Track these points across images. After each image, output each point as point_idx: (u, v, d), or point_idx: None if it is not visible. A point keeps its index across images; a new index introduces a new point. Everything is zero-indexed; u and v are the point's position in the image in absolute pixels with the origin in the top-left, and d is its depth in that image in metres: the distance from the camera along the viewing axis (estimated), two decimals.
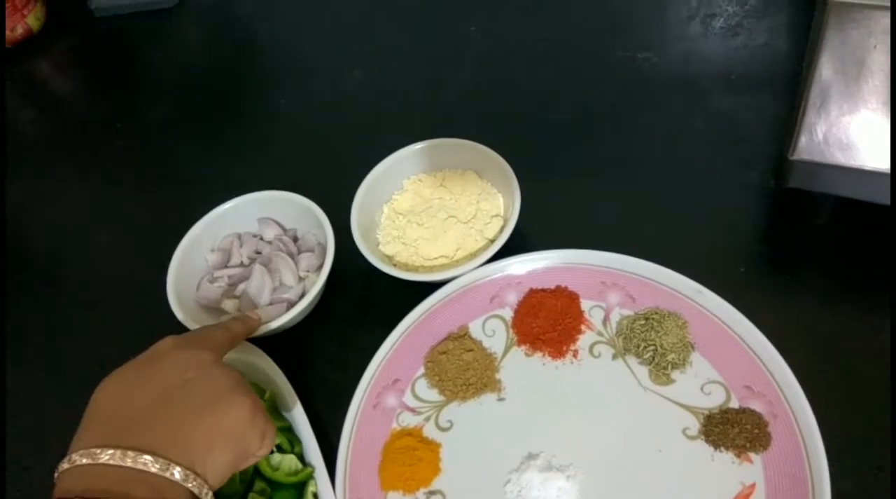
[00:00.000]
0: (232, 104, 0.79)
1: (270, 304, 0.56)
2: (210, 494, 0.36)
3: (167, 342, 0.42)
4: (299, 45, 0.84)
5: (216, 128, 0.77)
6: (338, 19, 0.85)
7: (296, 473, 0.47)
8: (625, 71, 0.69)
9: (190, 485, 0.35)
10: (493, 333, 0.54)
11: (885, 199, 0.48)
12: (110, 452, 0.34)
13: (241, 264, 0.59)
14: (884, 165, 0.46)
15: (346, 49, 0.81)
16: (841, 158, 0.46)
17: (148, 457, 0.34)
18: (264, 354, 0.52)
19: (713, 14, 0.72)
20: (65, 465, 0.35)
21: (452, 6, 0.82)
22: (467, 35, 0.78)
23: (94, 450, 0.34)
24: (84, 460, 0.34)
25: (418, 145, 0.60)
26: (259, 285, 0.56)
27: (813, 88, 0.46)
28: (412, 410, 0.51)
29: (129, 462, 0.34)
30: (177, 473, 0.35)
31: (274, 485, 0.46)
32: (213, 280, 0.58)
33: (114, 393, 0.39)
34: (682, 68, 0.68)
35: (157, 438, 0.36)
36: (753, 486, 0.44)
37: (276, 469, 0.47)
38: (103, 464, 0.34)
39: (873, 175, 0.47)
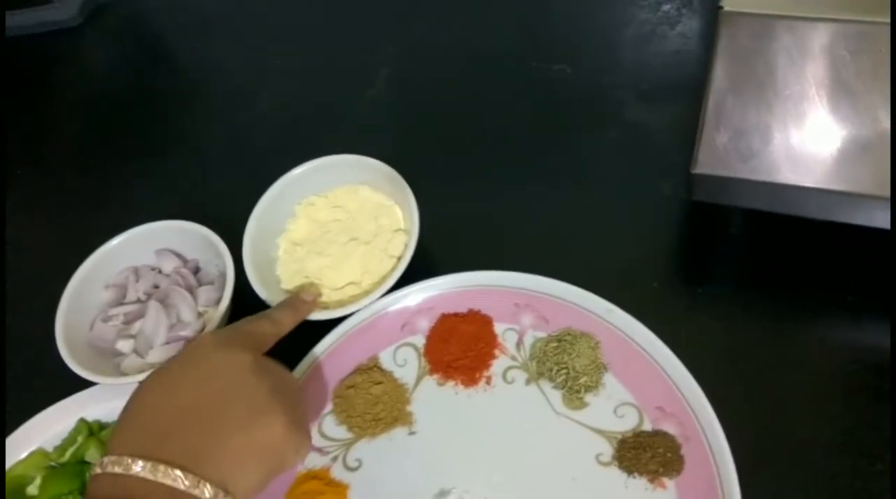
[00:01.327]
0: (137, 128, 0.76)
1: (167, 343, 0.52)
2: None
3: (207, 340, 0.41)
4: (207, 67, 0.81)
5: (121, 153, 0.73)
6: (246, 39, 0.82)
7: None
8: (538, 83, 0.68)
9: None
10: (404, 362, 0.52)
11: (791, 209, 0.48)
12: (141, 464, 0.34)
13: (138, 301, 0.55)
14: (784, 177, 0.45)
15: (254, 70, 0.78)
16: (741, 171, 0.45)
17: (178, 472, 0.34)
18: None
19: (626, 22, 0.71)
20: (97, 470, 0.35)
21: (364, 20, 0.80)
22: (378, 50, 0.76)
23: (126, 459, 0.34)
24: (117, 469, 0.34)
25: (301, 168, 0.58)
26: (155, 323, 0.53)
27: (710, 101, 0.45)
28: (319, 450, 0.48)
29: (160, 477, 0.34)
30: (207, 491, 0.34)
31: None
32: (106, 319, 0.54)
33: (152, 395, 0.38)
34: (595, 79, 0.67)
35: (190, 450, 0.35)
36: None
37: None
38: (135, 475, 0.34)
39: (775, 187, 0.46)
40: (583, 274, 0.51)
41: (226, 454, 0.36)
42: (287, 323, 0.47)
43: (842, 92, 0.45)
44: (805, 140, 0.45)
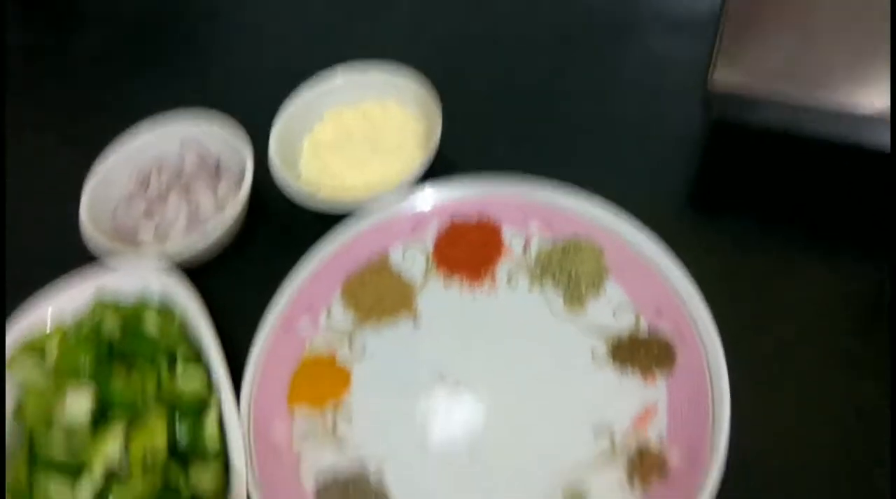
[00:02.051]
0: (165, 31, 0.78)
1: (187, 230, 0.54)
2: None
3: None
4: None
5: (149, 53, 0.76)
6: None
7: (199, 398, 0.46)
8: (561, 10, 0.68)
9: None
10: (412, 261, 0.53)
11: (810, 128, 0.47)
12: None
13: (159, 191, 0.57)
14: (804, 94, 0.45)
15: None
16: (760, 88, 0.46)
17: None
18: (179, 278, 0.51)
19: None
20: None
21: None
22: None
23: None
24: None
25: (337, 77, 0.59)
26: (175, 212, 0.55)
27: (728, 16, 0.45)
28: (325, 335, 0.50)
29: None
30: None
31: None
32: (129, 207, 0.56)
33: None
34: (616, 6, 0.67)
35: None
36: (655, 405, 0.44)
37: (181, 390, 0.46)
38: None
39: (794, 104, 0.46)
40: (594, 191, 0.52)
41: None
42: None
43: (866, 8, 0.45)
44: (827, 57, 0.45)
